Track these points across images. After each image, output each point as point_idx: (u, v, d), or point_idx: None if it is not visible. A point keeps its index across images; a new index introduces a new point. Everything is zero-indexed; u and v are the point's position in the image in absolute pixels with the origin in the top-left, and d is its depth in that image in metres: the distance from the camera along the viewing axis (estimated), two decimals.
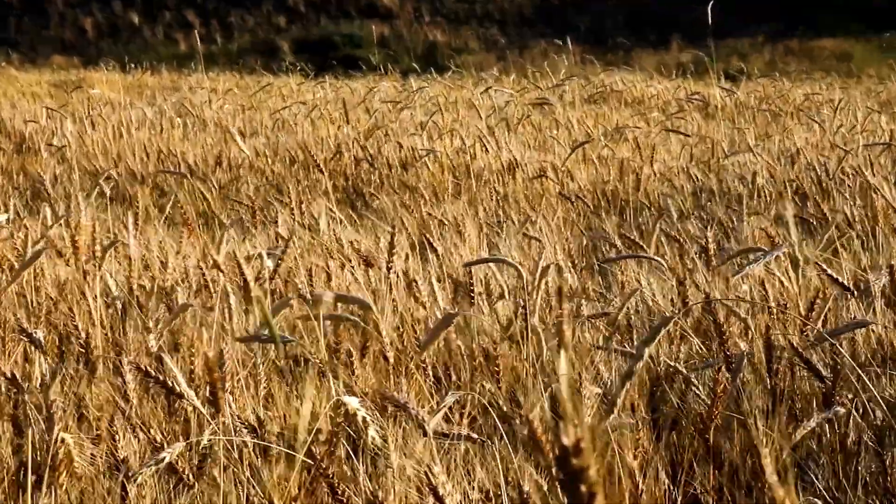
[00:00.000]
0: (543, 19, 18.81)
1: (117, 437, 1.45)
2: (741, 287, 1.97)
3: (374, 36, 15.94)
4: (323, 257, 2.27)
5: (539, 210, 3.84)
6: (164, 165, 5.12)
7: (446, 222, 2.95)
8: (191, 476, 1.48)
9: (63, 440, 1.39)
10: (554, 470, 0.62)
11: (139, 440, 1.47)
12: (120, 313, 1.96)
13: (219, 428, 1.49)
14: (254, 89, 9.70)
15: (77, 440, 1.44)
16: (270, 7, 19.86)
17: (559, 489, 0.62)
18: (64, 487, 1.40)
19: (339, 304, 1.73)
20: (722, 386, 1.44)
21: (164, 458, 1.38)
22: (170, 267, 2.21)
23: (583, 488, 0.61)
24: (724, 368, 1.55)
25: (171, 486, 1.44)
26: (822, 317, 1.86)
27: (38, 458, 1.42)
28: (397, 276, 2.05)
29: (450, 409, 1.53)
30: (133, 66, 12.98)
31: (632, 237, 2.63)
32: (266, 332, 1.50)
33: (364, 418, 1.39)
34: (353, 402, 1.41)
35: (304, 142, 5.37)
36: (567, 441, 0.61)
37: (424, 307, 1.95)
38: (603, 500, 0.62)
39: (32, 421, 1.46)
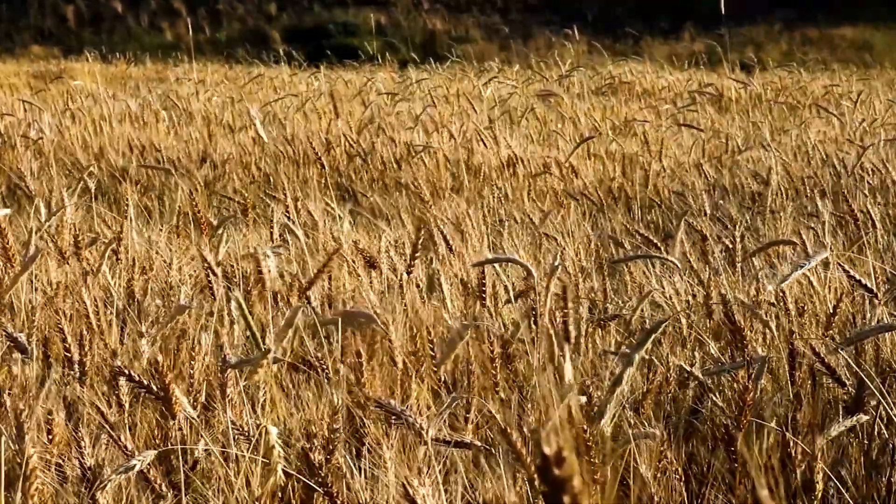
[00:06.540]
0: (548, 6, 18.80)
1: (83, 443, 1.43)
2: (765, 289, 1.97)
3: (369, 24, 15.93)
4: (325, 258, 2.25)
5: (542, 207, 3.83)
6: (147, 161, 5.11)
7: (445, 220, 2.94)
8: (164, 486, 1.47)
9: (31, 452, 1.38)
10: (537, 482, 0.61)
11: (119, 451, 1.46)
12: (118, 316, 1.96)
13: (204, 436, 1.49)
14: (243, 80, 9.69)
15: (44, 451, 1.43)
16: None
17: (542, 501, 0.61)
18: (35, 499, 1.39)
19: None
20: (751, 394, 1.44)
21: (135, 465, 1.37)
22: (173, 266, 2.21)
23: (566, 499, 0.60)
24: (744, 374, 1.55)
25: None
26: (845, 320, 1.85)
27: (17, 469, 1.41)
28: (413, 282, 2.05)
29: (456, 415, 1.53)
30: (116, 56, 12.96)
31: (645, 236, 2.62)
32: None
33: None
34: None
35: (295, 136, 5.36)
36: (548, 451, 0.59)
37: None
38: None
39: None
